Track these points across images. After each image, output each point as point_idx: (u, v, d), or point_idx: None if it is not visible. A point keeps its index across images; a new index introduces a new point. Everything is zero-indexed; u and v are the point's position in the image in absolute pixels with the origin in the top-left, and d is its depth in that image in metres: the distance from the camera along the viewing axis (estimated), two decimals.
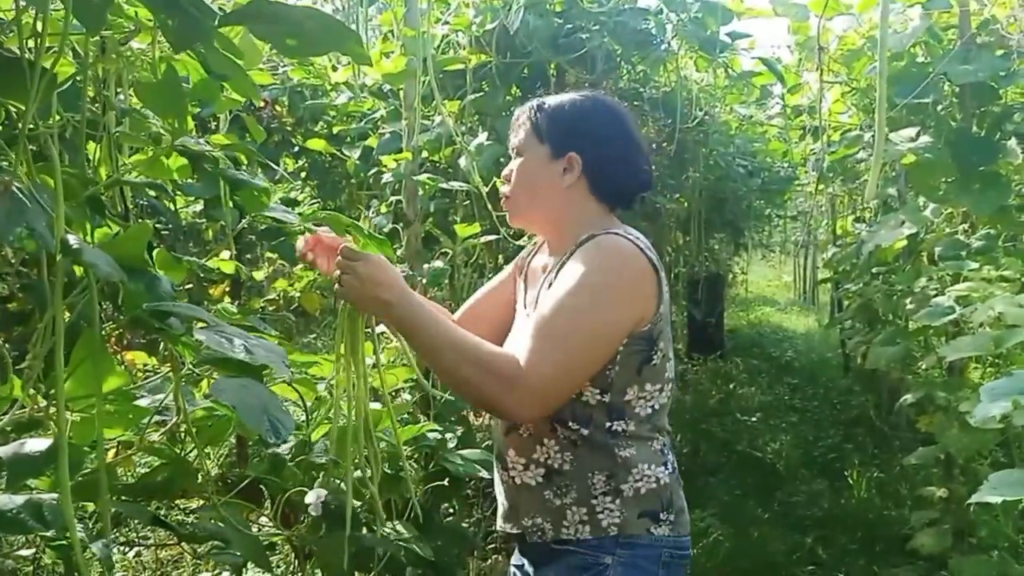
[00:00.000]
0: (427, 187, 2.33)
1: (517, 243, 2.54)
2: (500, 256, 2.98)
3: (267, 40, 0.82)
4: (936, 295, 2.66)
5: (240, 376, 0.95)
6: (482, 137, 2.51)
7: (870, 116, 3.42)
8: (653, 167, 1.60)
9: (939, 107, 2.93)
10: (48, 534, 0.88)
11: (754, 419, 5.97)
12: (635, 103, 3.50)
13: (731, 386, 6.98)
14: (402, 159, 2.33)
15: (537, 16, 2.68)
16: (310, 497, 1.46)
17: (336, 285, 1.33)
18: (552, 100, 1.53)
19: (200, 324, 0.87)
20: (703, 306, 7.33)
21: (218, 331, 0.83)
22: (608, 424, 1.39)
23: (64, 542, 0.87)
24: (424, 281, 2.28)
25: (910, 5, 2.84)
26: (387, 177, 2.40)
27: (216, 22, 0.83)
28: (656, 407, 1.43)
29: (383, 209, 2.58)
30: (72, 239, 0.77)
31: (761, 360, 8.43)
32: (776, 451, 5.16)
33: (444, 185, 2.34)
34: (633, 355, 1.38)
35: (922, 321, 2.44)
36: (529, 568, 1.52)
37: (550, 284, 1.44)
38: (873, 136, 3.46)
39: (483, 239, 2.40)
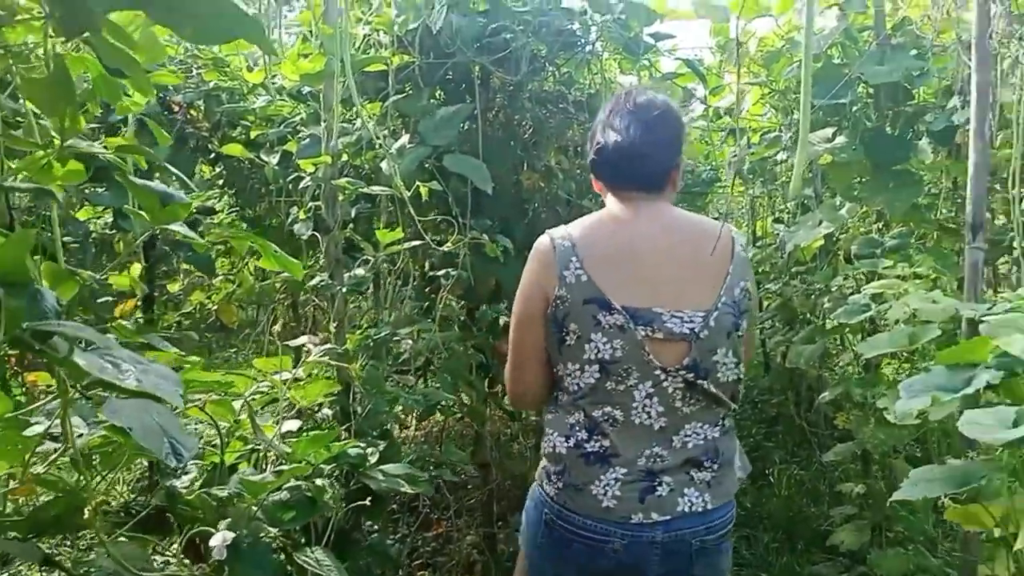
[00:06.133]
0: (347, 192, 2.25)
1: (441, 249, 2.47)
2: (426, 263, 2.88)
3: (165, 26, 0.75)
4: (852, 293, 2.71)
5: (138, 396, 0.87)
6: (404, 140, 2.43)
7: (789, 117, 3.48)
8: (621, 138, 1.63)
9: (855, 107, 2.99)
10: None
11: None
12: (560, 105, 3.47)
13: None
14: (321, 163, 2.24)
15: (461, 16, 2.62)
16: (215, 540, 1.30)
17: None
18: None
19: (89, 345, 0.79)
20: None
21: (104, 353, 0.74)
22: (555, 393, 1.65)
23: None
24: (343, 291, 2.19)
25: (827, 7, 2.89)
26: (305, 182, 2.30)
27: (105, 7, 0.75)
28: (581, 386, 1.56)
29: (302, 216, 2.47)
30: None
31: None
32: None
33: (365, 190, 2.25)
34: (552, 335, 1.58)
35: (839, 319, 2.47)
36: None
37: None
38: (792, 136, 3.53)
39: (407, 245, 2.33)
